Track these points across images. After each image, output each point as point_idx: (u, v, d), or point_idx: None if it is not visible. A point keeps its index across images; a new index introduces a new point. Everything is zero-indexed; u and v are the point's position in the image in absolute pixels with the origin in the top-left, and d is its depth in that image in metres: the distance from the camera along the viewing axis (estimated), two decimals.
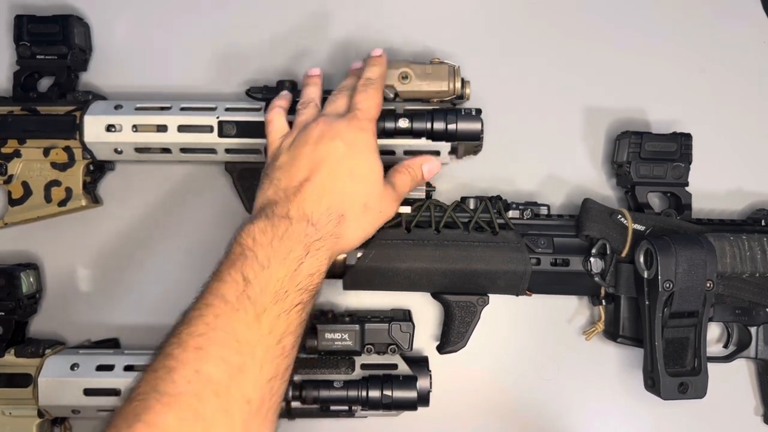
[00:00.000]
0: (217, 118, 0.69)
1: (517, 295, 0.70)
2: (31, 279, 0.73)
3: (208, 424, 0.40)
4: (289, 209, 0.53)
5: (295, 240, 0.50)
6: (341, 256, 0.68)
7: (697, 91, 0.79)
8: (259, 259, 0.48)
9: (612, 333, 0.72)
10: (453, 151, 0.70)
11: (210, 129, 0.69)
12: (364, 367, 0.70)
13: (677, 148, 0.71)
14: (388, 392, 0.68)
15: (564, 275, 0.69)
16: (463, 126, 0.68)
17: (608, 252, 0.68)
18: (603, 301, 0.71)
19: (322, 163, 0.55)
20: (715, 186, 0.78)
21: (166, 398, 0.40)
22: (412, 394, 0.69)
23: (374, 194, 0.57)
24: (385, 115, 0.68)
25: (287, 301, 0.47)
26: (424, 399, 0.69)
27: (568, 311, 0.78)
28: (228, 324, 0.44)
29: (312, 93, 0.65)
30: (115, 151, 0.71)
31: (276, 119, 0.64)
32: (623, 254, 0.69)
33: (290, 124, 0.64)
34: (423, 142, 0.69)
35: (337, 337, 0.68)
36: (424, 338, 0.77)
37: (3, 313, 0.71)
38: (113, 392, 0.68)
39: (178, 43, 0.78)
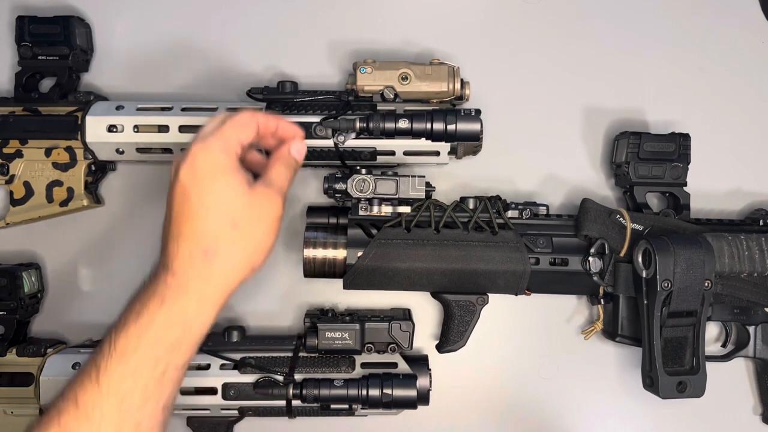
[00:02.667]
0: None
1: (517, 294, 0.70)
2: (33, 278, 0.74)
3: None
4: (157, 270, 0.53)
5: (151, 295, 0.51)
6: (341, 256, 0.68)
7: (696, 92, 0.79)
8: (117, 326, 0.50)
9: (611, 332, 0.72)
10: (452, 152, 0.71)
11: None
12: (364, 365, 0.70)
13: (676, 149, 0.71)
14: (388, 391, 0.68)
15: (563, 275, 0.70)
16: (463, 126, 0.68)
17: (607, 252, 0.69)
18: (602, 300, 0.71)
19: (174, 206, 0.53)
20: (713, 186, 0.78)
21: None
22: (411, 393, 0.69)
23: (239, 207, 0.53)
24: (385, 115, 0.68)
25: (135, 356, 0.49)
26: (423, 398, 0.70)
27: (566, 311, 0.78)
28: (72, 391, 0.48)
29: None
30: (117, 151, 0.71)
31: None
32: (622, 254, 0.69)
33: None
34: (423, 143, 0.69)
35: (338, 336, 0.69)
36: (424, 337, 0.77)
37: (5, 313, 0.71)
38: None
39: (179, 43, 0.78)
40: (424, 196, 0.69)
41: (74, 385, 0.48)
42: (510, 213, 0.71)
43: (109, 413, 0.47)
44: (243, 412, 0.71)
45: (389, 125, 0.68)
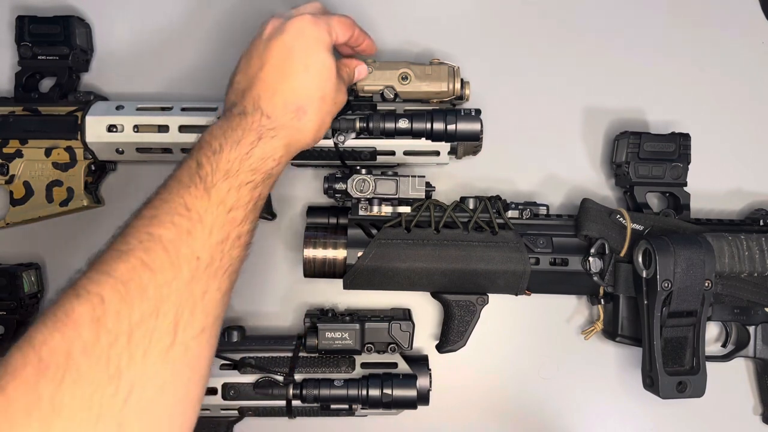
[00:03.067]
0: (218, 118, 0.69)
1: (517, 294, 0.70)
2: (33, 279, 0.74)
3: (155, 271, 0.46)
4: (245, 106, 0.56)
5: (248, 129, 0.54)
6: (341, 256, 0.68)
7: (696, 92, 0.79)
8: (212, 147, 0.53)
9: (611, 332, 0.72)
10: (452, 152, 0.71)
11: None
12: (364, 365, 0.70)
13: (676, 148, 0.71)
14: (388, 391, 0.68)
15: (563, 275, 0.70)
16: (463, 126, 0.68)
17: (607, 252, 0.69)
18: (602, 300, 0.71)
19: (273, 59, 0.57)
20: (713, 186, 0.78)
21: (118, 253, 0.46)
22: (411, 393, 0.69)
23: (329, 85, 0.59)
24: (385, 115, 0.68)
25: (238, 178, 0.52)
26: (423, 398, 0.70)
27: (567, 311, 0.78)
28: (179, 197, 0.50)
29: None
30: (117, 151, 0.71)
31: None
32: (622, 254, 0.69)
33: None
34: (423, 143, 0.69)
35: (338, 336, 0.69)
36: (424, 337, 0.77)
37: (5, 313, 0.71)
38: None
39: (178, 43, 0.78)
40: (424, 196, 0.69)
41: (180, 192, 0.50)
42: (510, 213, 0.71)
43: (219, 220, 0.50)
44: (243, 412, 0.71)
45: (389, 125, 0.68)
